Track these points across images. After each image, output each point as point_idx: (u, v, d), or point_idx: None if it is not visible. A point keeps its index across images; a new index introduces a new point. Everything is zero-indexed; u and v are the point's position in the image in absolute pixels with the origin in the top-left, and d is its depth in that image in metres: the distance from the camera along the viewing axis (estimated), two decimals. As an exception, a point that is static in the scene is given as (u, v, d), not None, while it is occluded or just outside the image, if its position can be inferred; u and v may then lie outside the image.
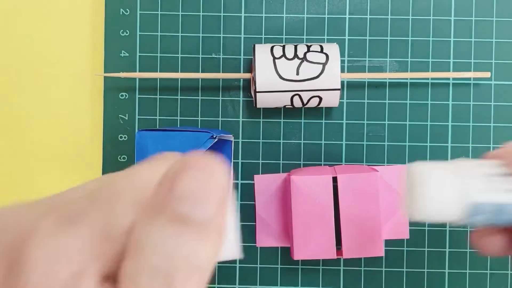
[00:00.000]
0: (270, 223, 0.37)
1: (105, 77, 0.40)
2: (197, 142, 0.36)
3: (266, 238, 0.36)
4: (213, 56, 0.40)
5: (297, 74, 0.35)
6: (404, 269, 0.39)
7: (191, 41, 0.40)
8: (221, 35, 0.40)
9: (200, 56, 0.40)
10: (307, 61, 0.36)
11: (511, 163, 0.20)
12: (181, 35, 0.40)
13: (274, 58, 0.36)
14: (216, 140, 0.36)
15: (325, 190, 0.33)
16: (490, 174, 0.21)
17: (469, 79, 0.39)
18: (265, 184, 0.37)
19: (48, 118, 0.40)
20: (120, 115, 0.40)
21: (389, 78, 0.39)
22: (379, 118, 0.40)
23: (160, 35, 0.40)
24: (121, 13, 0.40)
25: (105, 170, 0.40)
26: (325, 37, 0.40)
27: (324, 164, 0.40)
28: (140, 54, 0.40)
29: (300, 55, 0.36)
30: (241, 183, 0.40)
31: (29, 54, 0.40)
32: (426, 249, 0.39)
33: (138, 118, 0.40)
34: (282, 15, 0.40)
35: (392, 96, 0.40)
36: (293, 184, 0.33)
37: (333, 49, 0.36)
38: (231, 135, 0.39)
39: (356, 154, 0.39)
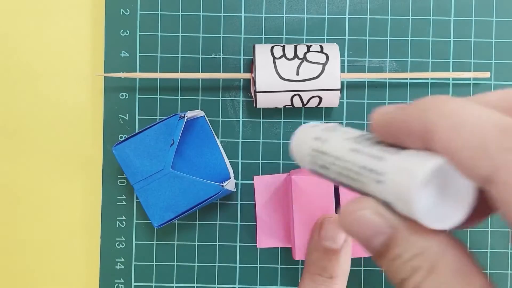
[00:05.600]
0: (270, 224, 0.37)
1: (105, 77, 0.40)
2: (170, 129, 0.36)
3: (267, 239, 0.36)
4: (213, 56, 0.40)
5: (297, 74, 0.35)
6: (404, 269, 0.39)
7: (191, 41, 0.40)
8: (221, 35, 0.40)
9: (200, 56, 0.40)
10: (307, 61, 0.36)
11: (380, 133, 0.18)
12: (181, 35, 0.40)
13: (274, 58, 0.36)
14: (186, 118, 0.36)
15: (327, 190, 0.33)
16: (359, 136, 0.19)
17: (469, 79, 0.40)
18: (265, 185, 0.37)
19: (48, 118, 0.40)
20: (120, 115, 0.40)
21: (389, 78, 0.39)
22: (379, 118, 0.40)
23: (160, 35, 0.40)
24: (121, 13, 0.40)
25: (105, 171, 0.40)
26: (325, 37, 0.40)
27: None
28: (140, 54, 0.40)
29: (300, 55, 0.36)
30: (241, 183, 0.40)
31: (29, 54, 0.40)
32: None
33: (138, 118, 0.40)
34: (282, 15, 0.40)
35: (392, 96, 0.40)
36: (294, 184, 0.33)
37: (333, 49, 0.36)
38: (201, 111, 0.39)
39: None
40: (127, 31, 0.40)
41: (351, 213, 0.17)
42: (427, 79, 0.40)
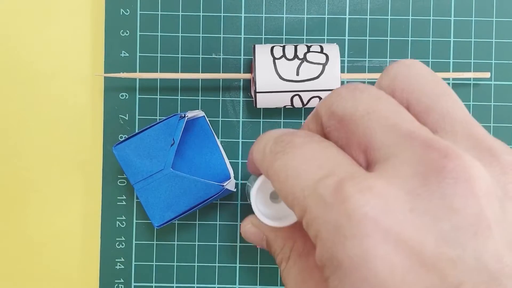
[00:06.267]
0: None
1: (105, 77, 0.40)
2: (170, 128, 0.36)
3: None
4: (213, 56, 0.40)
5: (297, 74, 0.35)
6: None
7: (191, 41, 0.40)
8: (221, 35, 0.40)
9: (200, 56, 0.40)
10: (307, 61, 0.36)
11: (251, 171, 0.24)
12: (181, 35, 0.40)
13: (274, 58, 0.36)
14: (186, 118, 0.36)
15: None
16: None
17: (469, 79, 0.40)
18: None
19: (48, 118, 0.40)
20: (120, 115, 0.40)
21: (389, 78, 0.39)
22: (379, 118, 0.40)
23: (160, 35, 0.40)
24: (121, 13, 0.40)
25: (105, 171, 0.40)
26: (325, 37, 0.40)
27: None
28: (140, 54, 0.40)
29: (300, 55, 0.36)
30: (241, 183, 0.40)
31: (29, 54, 0.40)
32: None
33: (138, 118, 0.40)
34: (282, 15, 0.40)
35: (392, 96, 0.40)
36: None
37: (333, 50, 0.36)
38: (201, 111, 0.39)
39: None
40: (127, 31, 0.40)
41: (242, 227, 0.25)
42: (427, 79, 0.39)
